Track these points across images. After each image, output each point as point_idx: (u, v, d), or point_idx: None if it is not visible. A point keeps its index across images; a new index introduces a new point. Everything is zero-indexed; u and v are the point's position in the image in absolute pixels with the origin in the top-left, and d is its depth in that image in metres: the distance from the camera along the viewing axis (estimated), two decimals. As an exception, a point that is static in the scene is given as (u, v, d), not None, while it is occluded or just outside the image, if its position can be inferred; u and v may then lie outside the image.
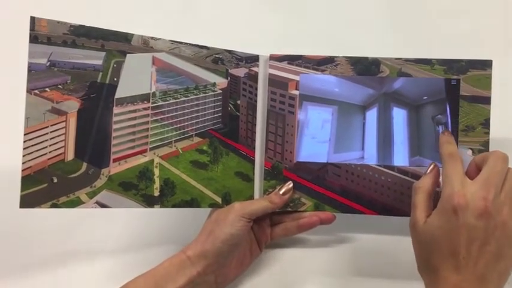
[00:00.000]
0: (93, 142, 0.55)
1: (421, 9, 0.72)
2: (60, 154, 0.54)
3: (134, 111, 0.57)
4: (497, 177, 0.48)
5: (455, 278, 0.46)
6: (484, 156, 0.50)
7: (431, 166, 0.55)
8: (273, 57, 0.62)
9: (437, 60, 0.60)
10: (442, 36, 0.70)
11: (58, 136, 0.54)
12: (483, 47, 0.67)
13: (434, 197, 0.52)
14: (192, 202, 0.59)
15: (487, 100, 0.59)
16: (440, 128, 0.59)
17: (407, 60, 0.61)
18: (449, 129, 0.59)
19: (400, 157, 0.60)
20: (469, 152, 0.59)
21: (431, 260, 0.48)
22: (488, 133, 0.59)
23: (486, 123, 0.59)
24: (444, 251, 0.47)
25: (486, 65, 0.59)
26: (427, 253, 0.49)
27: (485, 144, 0.59)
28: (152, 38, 0.58)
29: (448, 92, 0.60)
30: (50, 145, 0.53)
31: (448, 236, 0.47)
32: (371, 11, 0.72)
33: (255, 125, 0.63)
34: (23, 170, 0.52)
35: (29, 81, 0.53)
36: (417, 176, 0.58)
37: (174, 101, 0.60)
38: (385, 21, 0.72)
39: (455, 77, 0.60)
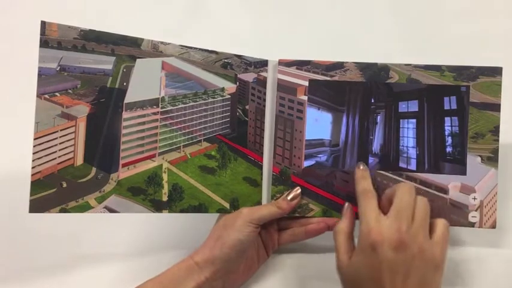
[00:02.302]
0: (103, 147, 0.55)
1: (430, 14, 0.72)
2: (70, 159, 0.54)
3: (143, 116, 0.57)
4: (406, 209, 0.50)
5: None
6: (393, 190, 0.52)
7: (345, 207, 0.57)
8: (281, 62, 0.62)
9: (447, 66, 0.60)
10: (452, 42, 0.70)
11: (68, 141, 0.54)
12: (493, 53, 0.67)
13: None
14: (200, 207, 0.59)
15: (496, 107, 0.59)
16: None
17: (416, 66, 0.61)
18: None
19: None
20: (478, 159, 0.59)
21: None
22: (497, 140, 0.59)
23: (495, 131, 0.59)
24: None
25: (496, 72, 0.59)
26: None
27: (495, 152, 0.59)
28: (162, 42, 0.58)
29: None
30: (59, 150, 0.53)
31: (371, 273, 0.48)
32: (381, 16, 0.72)
33: (264, 130, 0.63)
34: (32, 175, 0.52)
35: (39, 85, 0.53)
36: (425, 183, 0.58)
37: (183, 105, 0.60)
38: (395, 26, 0.72)
39: (465, 83, 0.60)
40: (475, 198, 0.59)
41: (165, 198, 0.58)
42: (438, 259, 0.49)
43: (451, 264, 0.63)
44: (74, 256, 0.64)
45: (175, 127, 0.59)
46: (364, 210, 0.52)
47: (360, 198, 0.54)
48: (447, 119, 0.59)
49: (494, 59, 0.60)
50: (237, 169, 0.62)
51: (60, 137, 0.53)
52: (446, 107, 0.60)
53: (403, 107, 0.60)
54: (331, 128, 0.61)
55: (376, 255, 0.48)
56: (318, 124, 0.61)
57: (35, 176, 0.52)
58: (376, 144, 0.61)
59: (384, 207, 0.52)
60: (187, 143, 0.60)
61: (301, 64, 0.62)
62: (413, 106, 0.60)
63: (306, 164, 0.61)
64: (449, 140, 0.59)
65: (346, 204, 0.57)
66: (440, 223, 0.51)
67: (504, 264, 0.63)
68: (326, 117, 0.61)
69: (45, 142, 0.53)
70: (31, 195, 0.52)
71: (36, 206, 0.52)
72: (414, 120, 0.60)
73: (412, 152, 0.60)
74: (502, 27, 0.70)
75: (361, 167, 0.57)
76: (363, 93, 0.61)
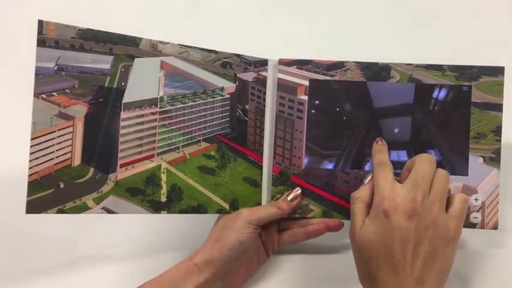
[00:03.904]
0: (100, 147, 0.55)
1: (432, 13, 0.71)
2: (67, 159, 0.53)
3: (142, 116, 0.57)
4: (424, 179, 0.49)
5: (394, 281, 0.47)
6: (413, 160, 0.52)
7: (369, 177, 0.55)
8: (282, 62, 0.62)
9: (449, 66, 0.59)
10: (453, 41, 0.69)
11: (65, 141, 0.53)
12: (496, 53, 0.66)
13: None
14: (199, 208, 0.59)
15: (498, 107, 0.58)
16: None
17: (418, 66, 0.60)
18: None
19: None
20: (480, 159, 0.58)
21: (370, 266, 0.49)
22: (499, 141, 0.58)
23: (498, 131, 0.58)
24: (381, 255, 0.48)
25: (498, 71, 0.59)
26: (365, 260, 0.49)
27: (497, 152, 0.58)
28: (161, 42, 0.58)
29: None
30: (56, 150, 0.53)
31: (382, 240, 0.48)
32: (382, 15, 0.72)
33: (263, 130, 0.62)
34: (29, 175, 0.52)
35: (36, 85, 0.52)
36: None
37: (182, 105, 0.59)
38: (396, 26, 0.71)
39: (466, 83, 0.59)
40: (476, 199, 0.58)
41: (163, 198, 0.57)
42: (451, 233, 0.48)
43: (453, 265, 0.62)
44: (71, 258, 0.64)
45: (174, 127, 0.59)
46: (379, 180, 0.51)
47: (375, 169, 0.53)
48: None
49: (496, 59, 0.59)
50: (236, 169, 0.61)
51: (57, 137, 0.53)
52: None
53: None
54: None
55: (388, 222, 0.48)
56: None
57: (32, 177, 0.52)
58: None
59: (404, 177, 0.51)
60: (186, 143, 0.59)
61: (301, 63, 0.62)
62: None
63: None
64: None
65: (370, 174, 0.55)
66: (459, 198, 0.50)
67: (506, 265, 0.63)
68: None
69: (43, 142, 0.52)
70: (28, 195, 0.51)
71: (33, 207, 0.52)
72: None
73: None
74: (504, 27, 0.70)
75: (379, 142, 0.56)
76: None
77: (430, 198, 0.49)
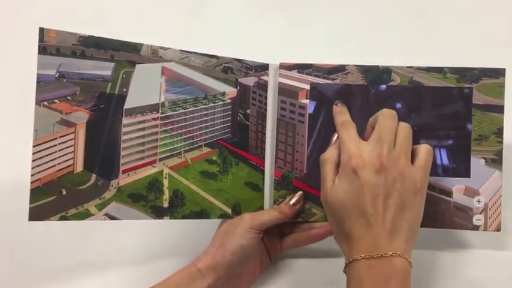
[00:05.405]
0: (102, 153, 0.55)
1: (432, 16, 0.71)
2: (69, 166, 0.53)
3: (143, 121, 0.57)
4: (388, 134, 0.50)
5: (368, 235, 0.47)
6: (375, 117, 0.52)
7: (335, 137, 0.55)
8: (282, 66, 0.62)
9: (450, 68, 0.59)
10: (454, 43, 0.69)
11: (67, 148, 0.53)
12: (496, 54, 0.66)
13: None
14: (202, 213, 0.59)
15: (500, 109, 0.58)
16: None
17: (418, 68, 0.60)
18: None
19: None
20: (482, 161, 0.58)
21: (344, 225, 0.49)
22: (501, 142, 0.58)
23: (499, 132, 0.58)
24: (353, 212, 0.48)
25: (499, 73, 0.59)
26: (339, 219, 0.50)
27: (499, 154, 0.58)
28: (161, 47, 0.58)
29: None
30: (59, 157, 0.53)
31: (353, 197, 0.48)
32: (382, 18, 0.72)
33: (265, 134, 0.63)
34: (31, 182, 0.52)
35: (37, 92, 0.52)
36: (429, 186, 0.57)
37: (183, 111, 0.59)
38: (396, 28, 0.71)
39: (467, 85, 0.59)
40: (479, 201, 0.58)
41: (166, 204, 0.57)
42: (418, 184, 0.49)
43: (456, 267, 0.62)
44: (74, 264, 0.64)
45: (175, 132, 0.59)
46: (344, 139, 0.52)
47: (339, 129, 0.53)
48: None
49: (497, 60, 0.59)
50: (238, 174, 0.61)
51: (59, 144, 0.53)
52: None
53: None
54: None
55: (357, 179, 0.48)
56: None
57: (34, 184, 0.52)
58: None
59: (368, 135, 0.52)
60: (187, 148, 0.59)
61: (302, 67, 0.62)
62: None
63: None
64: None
65: (336, 135, 0.55)
66: (423, 149, 0.51)
67: (510, 267, 0.62)
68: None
69: (45, 149, 0.52)
70: (30, 203, 0.51)
71: (36, 214, 0.52)
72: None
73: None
74: (505, 28, 0.70)
75: (339, 105, 0.57)
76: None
77: (396, 151, 0.49)
